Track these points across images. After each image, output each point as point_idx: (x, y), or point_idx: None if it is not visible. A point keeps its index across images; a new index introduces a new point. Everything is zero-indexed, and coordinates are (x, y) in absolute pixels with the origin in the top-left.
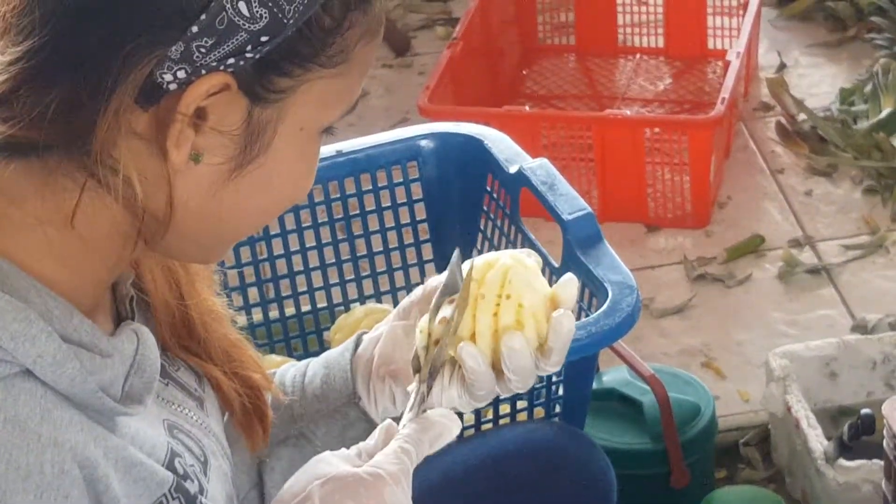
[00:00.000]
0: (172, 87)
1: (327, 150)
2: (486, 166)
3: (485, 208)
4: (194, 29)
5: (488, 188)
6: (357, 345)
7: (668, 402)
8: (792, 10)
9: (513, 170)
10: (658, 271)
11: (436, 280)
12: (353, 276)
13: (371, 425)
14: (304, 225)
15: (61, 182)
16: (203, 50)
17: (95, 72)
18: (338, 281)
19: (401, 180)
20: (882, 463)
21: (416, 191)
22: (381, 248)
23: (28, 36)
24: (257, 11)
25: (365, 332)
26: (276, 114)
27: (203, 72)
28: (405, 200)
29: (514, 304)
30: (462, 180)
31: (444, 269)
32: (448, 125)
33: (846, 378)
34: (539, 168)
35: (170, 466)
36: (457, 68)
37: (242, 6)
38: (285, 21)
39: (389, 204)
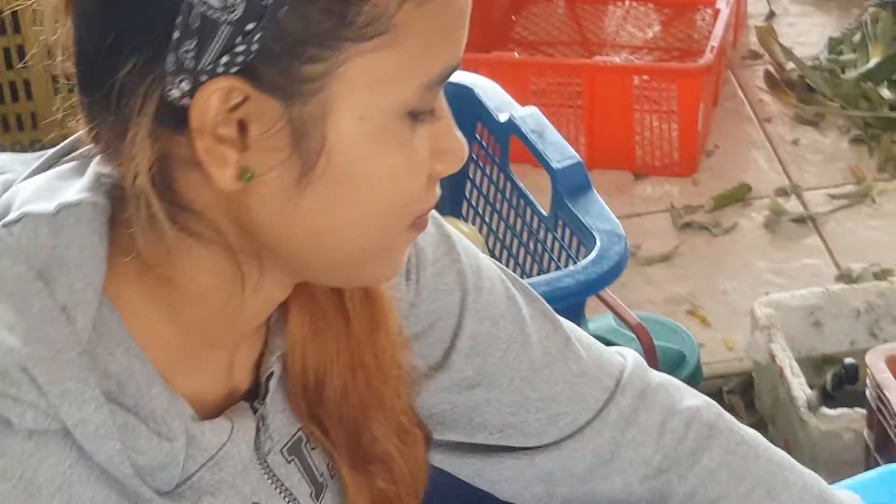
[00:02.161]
0: (186, 102)
1: None
2: (476, 114)
3: (474, 156)
4: (175, 35)
5: (478, 136)
6: None
7: (654, 350)
8: None
9: (503, 118)
10: (645, 219)
11: None
12: None
13: None
14: None
15: (156, 232)
16: (191, 55)
17: (118, 103)
18: None
19: None
20: (864, 412)
21: None
22: None
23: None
24: (230, 1)
25: None
26: (320, 107)
27: (203, 78)
28: None
29: None
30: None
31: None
32: None
33: (830, 327)
34: (529, 117)
35: None
36: None
37: (209, 4)
38: (264, 2)
39: None
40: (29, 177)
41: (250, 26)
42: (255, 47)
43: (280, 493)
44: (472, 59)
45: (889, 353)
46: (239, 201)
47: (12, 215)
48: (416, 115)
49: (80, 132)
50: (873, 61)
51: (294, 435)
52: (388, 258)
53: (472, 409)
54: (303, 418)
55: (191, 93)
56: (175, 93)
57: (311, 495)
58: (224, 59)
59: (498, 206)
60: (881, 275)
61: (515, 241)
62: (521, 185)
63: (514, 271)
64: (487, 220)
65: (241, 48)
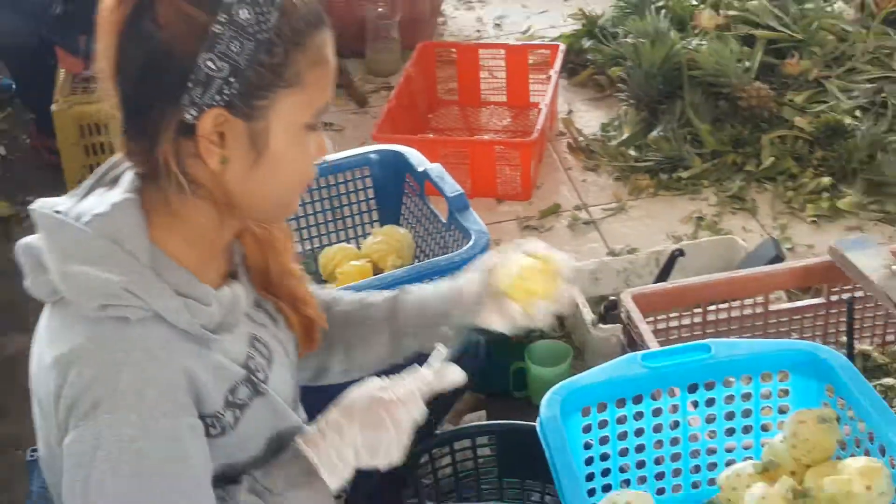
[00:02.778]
0: (191, 121)
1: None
2: (407, 168)
3: (406, 191)
4: (190, 85)
5: (407, 180)
6: (490, 270)
7: None
8: (575, 80)
9: (420, 169)
10: (503, 224)
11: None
12: (333, 229)
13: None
14: (313, 198)
15: (174, 197)
16: (199, 96)
17: (153, 128)
18: (325, 231)
19: (360, 176)
20: (620, 326)
21: (368, 182)
22: (350, 213)
23: (120, 110)
24: (219, 65)
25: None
26: (265, 124)
27: (205, 108)
28: (362, 187)
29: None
30: (393, 175)
31: (383, 225)
32: (385, 146)
33: (604, 281)
34: (435, 168)
35: (245, 365)
36: (393, 114)
37: (210, 64)
38: (241, 67)
39: (354, 189)
40: (85, 196)
41: (232, 80)
42: (233, 91)
43: (258, 325)
44: (407, 139)
45: (633, 293)
46: (220, 176)
47: (86, 218)
48: (309, 127)
49: (97, 171)
50: (625, 136)
51: (253, 297)
52: (291, 205)
53: None
54: (259, 288)
55: (197, 117)
56: (188, 116)
57: (273, 323)
58: (216, 98)
59: (420, 218)
60: (631, 251)
61: (430, 238)
62: (431, 206)
63: (428, 255)
64: (414, 226)
65: (225, 92)
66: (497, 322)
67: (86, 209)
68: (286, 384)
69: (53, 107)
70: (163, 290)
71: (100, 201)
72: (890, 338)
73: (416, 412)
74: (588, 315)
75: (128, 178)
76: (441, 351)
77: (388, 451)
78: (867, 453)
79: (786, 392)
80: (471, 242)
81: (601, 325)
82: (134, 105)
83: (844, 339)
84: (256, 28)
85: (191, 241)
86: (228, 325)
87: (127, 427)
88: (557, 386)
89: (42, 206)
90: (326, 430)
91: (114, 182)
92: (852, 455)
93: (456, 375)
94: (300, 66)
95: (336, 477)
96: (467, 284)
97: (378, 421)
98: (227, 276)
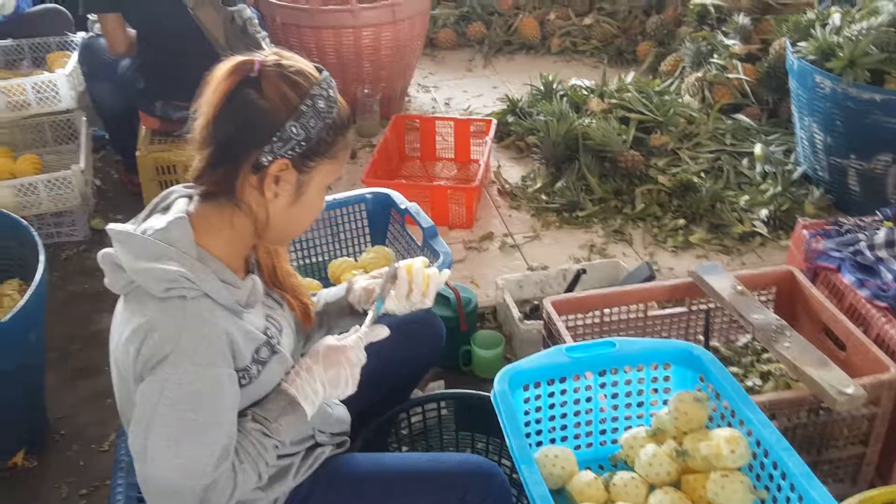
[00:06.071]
0: (265, 164)
1: (332, 197)
2: (392, 204)
3: (391, 221)
4: (274, 139)
5: (393, 214)
6: (349, 287)
7: (459, 296)
8: (503, 144)
9: (402, 206)
10: (453, 245)
11: (381, 270)
12: (338, 246)
13: (357, 318)
14: (326, 224)
15: (227, 210)
16: (278, 148)
17: (234, 162)
18: (333, 248)
19: (358, 210)
20: (542, 322)
21: (364, 214)
22: (351, 236)
23: (207, 147)
24: (299, 131)
25: (354, 280)
26: (309, 178)
27: (278, 157)
28: (359, 217)
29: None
30: (382, 210)
31: (374, 245)
32: (376, 189)
33: (527, 288)
34: (413, 206)
35: (265, 332)
36: (376, 165)
37: (293, 129)
38: (311, 136)
39: (354, 218)
40: (144, 220)
41: (303, 143)
42: (300, 151)
43: (270, 307)
44: (385, 183)
45: (552, 300)
46: (267, 205)
47: (149, 232)
48: (327, 189)
49: (151, 202)
50: (538, 185)
51: (264, 289)
52: (294, 237)
53: None
54: (269, 284)
55: (270, 161)
56: (263, 160)
57: (280, 307)
58: (288, 152)
59: (400, 240)
60: (544, 268)
61: (408, 255)
62: (409, 233)
63: None
64: (396, 246)
65: (296, 150)
66: (392, 306)
67: (148, 226)
68: (290, 347)
69: (137, 153)
70: (209, 276)
71: (158, 220)
72: (732, 337)
73: (361, 355)
74: (516, 313)
75: (178, 205)
76: (371, 315)
77: (346, 384)
78: (730, 425)
79: (668, 378)
80: (440, 260)
81: (526, 321)
82: (225, 144)
83: (701, 337)
84: (326, 114)
85: (231, 243)
86: (251, 303)
87: (185, 375)
88: (506, 368)
89: (114, 226)
90: (300, 371)
91: (166, 209)
92: (718, 426)
93: (383, 331)
94: (338, 147)
95: (310, 404)
96: (356, 280)
97: (336, 361)
98: (247, 272)
